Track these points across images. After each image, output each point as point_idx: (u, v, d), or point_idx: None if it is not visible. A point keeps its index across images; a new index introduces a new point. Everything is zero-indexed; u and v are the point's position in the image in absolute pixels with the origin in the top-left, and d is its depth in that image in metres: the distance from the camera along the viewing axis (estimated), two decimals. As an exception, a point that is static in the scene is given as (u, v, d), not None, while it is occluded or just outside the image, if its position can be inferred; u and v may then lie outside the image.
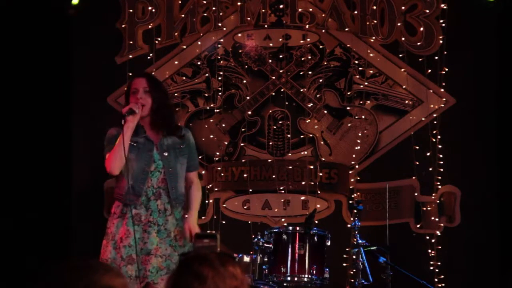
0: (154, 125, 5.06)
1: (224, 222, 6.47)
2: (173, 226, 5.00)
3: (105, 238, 5.02)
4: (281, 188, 6.49)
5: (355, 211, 5.52)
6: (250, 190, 6.51)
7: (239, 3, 6.62)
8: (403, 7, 6.60)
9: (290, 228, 5.41)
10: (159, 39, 6.60)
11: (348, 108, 6.60)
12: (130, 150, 4.98)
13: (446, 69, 6.53)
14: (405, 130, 6.58)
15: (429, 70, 6.54)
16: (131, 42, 6.59)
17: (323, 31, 6.62)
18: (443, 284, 6.33)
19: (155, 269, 4.89)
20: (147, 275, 4.89)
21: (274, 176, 6.51)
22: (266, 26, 6.64)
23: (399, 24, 6.59)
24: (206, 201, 6.47)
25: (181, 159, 5.10)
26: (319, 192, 6.50)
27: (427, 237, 6.41)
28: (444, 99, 6.57)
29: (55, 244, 6.26)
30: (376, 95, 6.61)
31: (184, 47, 6.62)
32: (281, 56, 6.62)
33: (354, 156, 6.55)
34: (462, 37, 6.58)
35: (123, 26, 6.62)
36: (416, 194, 6.49)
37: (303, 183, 6.50)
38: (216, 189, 6.53)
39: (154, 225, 4.95)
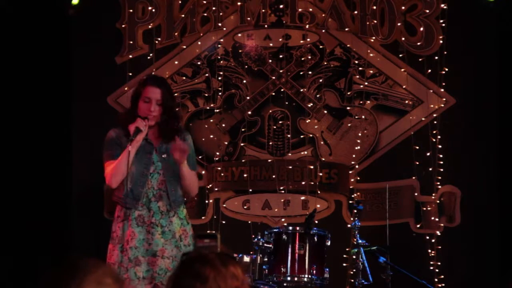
0: (160, 134, 5.02)
1: (224, 222, 6.47)
2: (177, 226, 4.97)
3: (111, 242, 4.97)
4: (281, 188, 6.49)
5: (355, 211, 5.52)
6: (250, 190, 6.50)
7: (239, 3, 6.62)
8: (403, 7, 6.60)
9: (290, 228, 5.40)
10: (159, 39, 6.59)
11: (348, 108, 6.60)
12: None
13: (446, 69, 6.53)
14: (405, 130, 6.57)
15: (429, 70, 6.54)
16: (131, 42, 6.59)
17: (323, 31, 6.62)
18: (443, 284, 6.33)
19: (163, 270, 4.86)
20: (155, 276, 4.86)
21: (274, 176, 6.51)
22: (266, 26, 6.63)
23: (399, 24, 6.59)
24: (206, 201, 6.47)
25: None
26: (319, 192, 6.50)
27: (427, 237, 6.41)
28: (444, 99, 6.57)
29: (55, 244, 6.25)
30: (376, 95, 6.61)
31: (184, 47, 6.62)
32: (281, 56, 6.62)
33: (354, 156, 6.55)
34: (462, 37, 6.58)
35: (123, 26, 6.61)
36: (416, 194, 6.49)
37: (303, 183, 6.49)
38: (216, 189, 6.52)
39: (157, 227, 4.92)
